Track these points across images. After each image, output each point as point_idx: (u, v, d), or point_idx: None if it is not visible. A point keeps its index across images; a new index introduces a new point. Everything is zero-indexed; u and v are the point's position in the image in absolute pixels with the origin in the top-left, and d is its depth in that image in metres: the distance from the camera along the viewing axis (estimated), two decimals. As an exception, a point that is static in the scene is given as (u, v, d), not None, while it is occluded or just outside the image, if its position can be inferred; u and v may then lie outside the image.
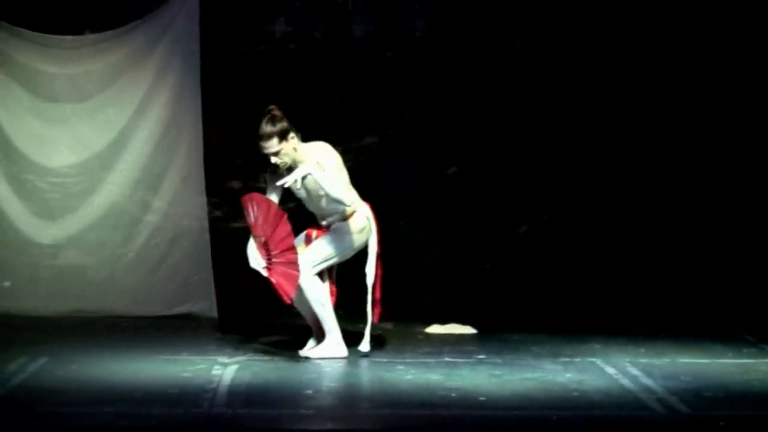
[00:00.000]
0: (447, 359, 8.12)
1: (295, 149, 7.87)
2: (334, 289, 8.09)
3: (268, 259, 7.87)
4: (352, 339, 8.14)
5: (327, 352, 8.05)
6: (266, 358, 8.11)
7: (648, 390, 7.23)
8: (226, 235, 9.55)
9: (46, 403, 6.88)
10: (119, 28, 9.50)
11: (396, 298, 9.05)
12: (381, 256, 8.03)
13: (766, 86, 9.59)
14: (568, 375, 7.61)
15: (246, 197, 7.94)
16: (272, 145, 7.85)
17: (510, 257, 9.67)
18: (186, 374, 7.55)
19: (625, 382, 7.44)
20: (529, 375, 7.63)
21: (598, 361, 7.98)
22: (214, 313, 9.47)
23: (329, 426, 6.66)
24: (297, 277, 7.80)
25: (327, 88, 9.45)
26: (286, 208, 7.99)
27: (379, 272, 8.02)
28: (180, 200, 9.58)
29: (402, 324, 9.13)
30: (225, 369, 7.69)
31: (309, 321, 8.18)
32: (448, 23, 9.68)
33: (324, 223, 8.03)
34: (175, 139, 9.58)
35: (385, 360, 8.07)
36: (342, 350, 8.06)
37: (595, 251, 9.67)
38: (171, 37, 9.52)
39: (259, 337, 8.71)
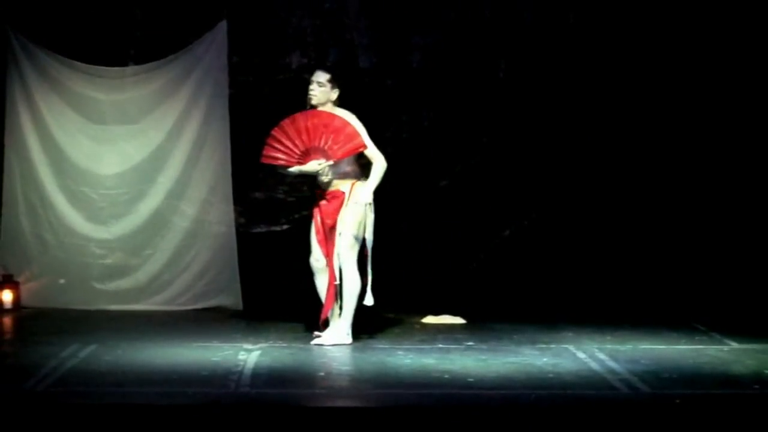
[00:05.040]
0: (440, 346, 8.10)
1: (330, 99, 8.04)
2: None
3: (325, 151, 7.92)
4: (355, 329, 8.15)
5: (337, 339, 8.04)
6: (285, 344, 8.09)
7: (613, 372, 7.22)
8: (250, 239, 9.55)
9: (95, 383, 6.89)
10: (158, 60, 9.51)
11: (396, 292, 9.06)
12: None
13: (733, 93, 9.54)
14: (544, 359, 7.60)
15: (264, 159, 8.03)
16: (323, 77, 8.04)
17: (495, 257, 9.65)
18: (215, 359, 7.55)
19: (594, 365, 7.43)
20: (511, 359, 7.61)
21: (571, 347, 7.97)
22: (240, 306, 9.45)
23: (339, 403, 6.65)
24: (355, 131, 7.90)
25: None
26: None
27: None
28: (210, 208, 9.57)
29: (401, 315, 9.12)
30: (249, 354, 7.69)
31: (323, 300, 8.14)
32: (440, 56, 9.67)
33: (331, 189, 8.02)
34: (207, 156, 9.57)
35: (386, 346, 8.05)
36: (349, 338, 8.05)
37: (568, 252, 9.65)
38: (203, 68, 9.51)
39: (278, 326, 8.69)
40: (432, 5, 9.65)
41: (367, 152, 8.02)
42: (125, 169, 9.55)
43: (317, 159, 7.97)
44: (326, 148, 7.95)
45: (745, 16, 9.53)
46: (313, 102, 8.06)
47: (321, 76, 8.08)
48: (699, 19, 9.54)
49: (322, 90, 8.04)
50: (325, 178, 7.99)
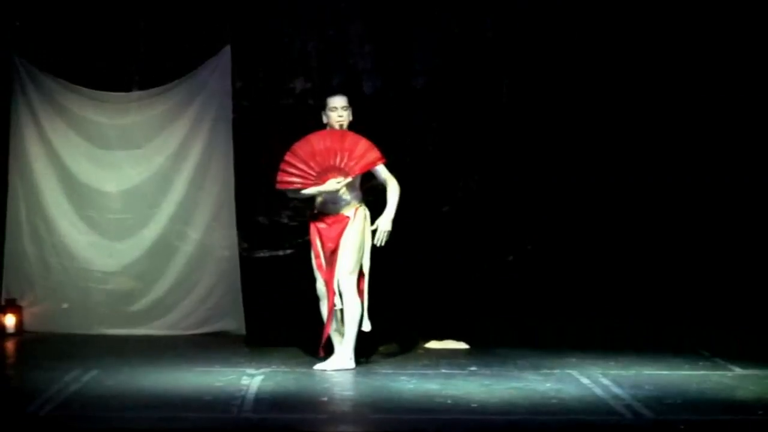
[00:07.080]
0: (443, 371, 8.10)
1: (350, 120, 8.26)
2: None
3: (341, 169, 7.98)
4: (358, 354, 8.13)
5: (339, 365, 8.02)
6: (287, 369, 8.09)
7: (617, 398, 7.21)
8: (253, 263, 9.53)
9: (97, 407, 6.88)
10: (162, 85, 9.54)
11: (399, 317, 9.05)
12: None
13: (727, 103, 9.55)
14: (548, 384, 7.59)
15: (279, 185, 8.10)
16: (345, 101, 8.28)
17: (498, 283, 9.63)
18: (218, 384, 7.55)
19: (598, 390, 7.42)
20: (514, 384, 7.60)
21: (574, 373, 7.96)
22: (243, 331, 9.43)
23: (341, 429, 6.64)
24: (369, 145, 8.07)
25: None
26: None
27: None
28: (213, 233, 9.59)
29: (404, 340, 9.10)
30: (252, 379, 7.68)
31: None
32: (442, 81, 9.68)
33: (335, 214, 8.06)
34: (210, 180, 9.60)
35: (389, 371, 8.05)
36: (352, 363, 8.04)
37: (571, 277, 9.62)
38: (207, 93, 9.55)
39: (281, 351, 8.68)
40: (434, 29, 9.66)
41: (382, 169, 8.10)
42: (129, 193, 9.58)
43: (335, 178, 8.00)
44: (342, 165, 8.00)
45: (745, 31, 9.54)
46: (345, 126, 8.20)
47: (343, 101, 8.29)
48: (703, 38, 9.54)
49: (347, 113, 8.24)
50: (344, 194, 7.99)
